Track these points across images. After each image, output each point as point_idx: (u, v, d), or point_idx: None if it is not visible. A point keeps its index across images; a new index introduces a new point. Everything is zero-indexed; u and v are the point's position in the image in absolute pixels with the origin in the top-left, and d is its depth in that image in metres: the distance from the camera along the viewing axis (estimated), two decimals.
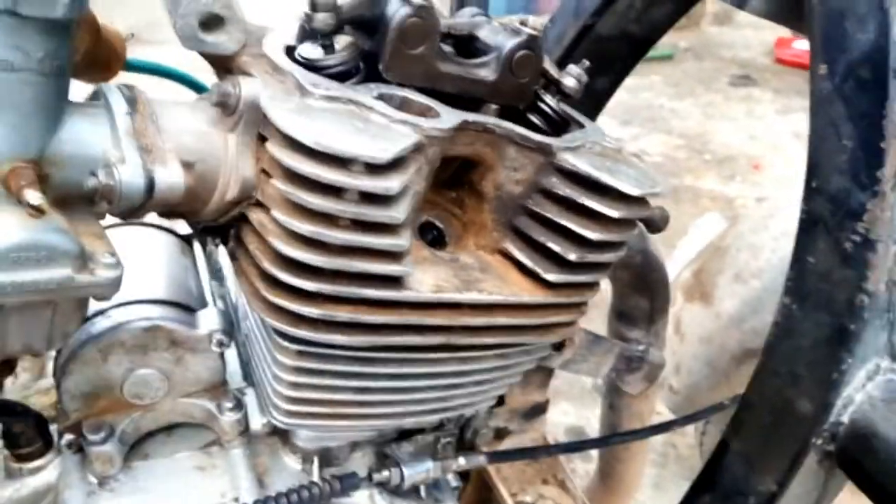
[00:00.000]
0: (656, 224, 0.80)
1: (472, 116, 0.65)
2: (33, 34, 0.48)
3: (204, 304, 0.80)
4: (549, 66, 0.74)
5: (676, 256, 2.24)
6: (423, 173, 0.62)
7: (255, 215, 0.61)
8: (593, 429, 2.28)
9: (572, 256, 0.67)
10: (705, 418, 1.09)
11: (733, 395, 1.00)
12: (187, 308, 0.76)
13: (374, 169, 0.56)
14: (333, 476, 0.75)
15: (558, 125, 0.75)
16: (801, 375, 0.72)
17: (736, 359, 1.32)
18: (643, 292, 0.97)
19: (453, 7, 1.77)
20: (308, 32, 0.65)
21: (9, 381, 0.86)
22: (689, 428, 1.78)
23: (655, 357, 0.97)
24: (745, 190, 3.92)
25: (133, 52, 0.81)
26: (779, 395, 0.74)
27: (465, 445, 0.93)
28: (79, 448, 0.73)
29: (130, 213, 0.57)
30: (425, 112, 0.64)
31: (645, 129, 4.59)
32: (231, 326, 0.78)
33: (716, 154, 4.32)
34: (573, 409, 2.30)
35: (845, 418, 0.70)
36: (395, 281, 0.62)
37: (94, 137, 0.54)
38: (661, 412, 1.69)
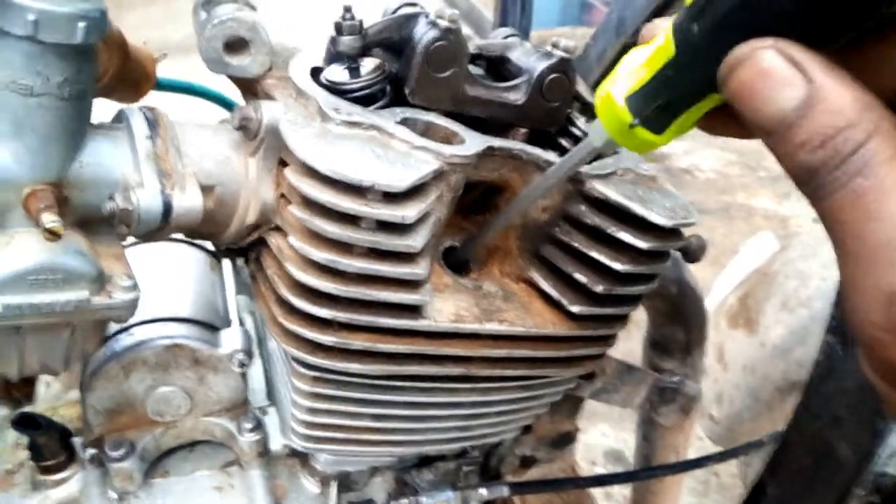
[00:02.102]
0: (693, 253, 0.76)
1: (497, 142, 0.63)
2: (53, 59, 0.48)
3: (228, 323, 0.80)
4: (582, 88, 0.72)
5: (725, 278, 2.18)
6: (444, 200, 0.61)
7: (275, 240, 0.60)
8: (632, 452, 2.23)
9: (599, 288, 0.65)
10: (741, 455, 1.04)
11: (773, 432, 0.96)
12: (211, 326, 0.76)
13: (390, 197, 0.55)
14: (351, 503, 0.74)
15: None
16: (842, 419, 0.68)
17: (780, 390, 1.27)
18: (678, 323, 0.93)
19: (496, 21, 1.76)
20: (334, 54, 0.65)
21: (41, 390, 0.88)
22: None
23: (691, 389, 0.94)
24: (800, 209, 3.79)
25: (185, 64, 0.82)
26: (818, 438, 0.70)
27: (489, 472, 0.91)
28: (101, 462, 0.74)
29: (149, 235, 0.58)
30: (450, 137, 0.63)
31: (697, 143, 4.48)
32: (255, 345, 0.78)
33: (771, 171, 4.19)
34: (612, 431, 2.24)
35: (892, 469, 0.66)
36: (412, 310, 0.61)
37: (114, 161, 0.54)
38: (701, 437, 1.64)
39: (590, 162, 0.68)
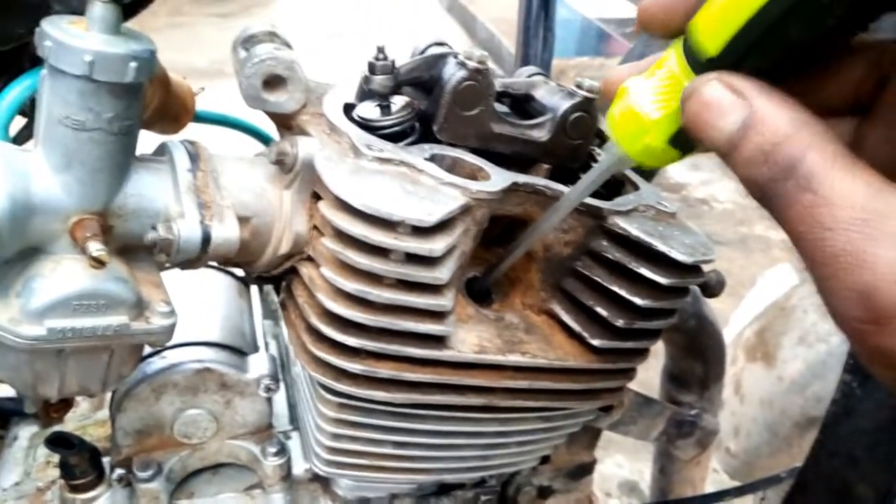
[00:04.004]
0: (712, 289, 0.78)
1: (522, 178, 0.65)
2: (105, 97, 0.51)
3: (255, 348, 0.82)
4: (604, 126, 0.74)
5: (742, 310, 2.17)
6: (470, 234, 0.63)
7: (306, 270, 0.63)
8: (647, 483, 2.21)
9: (620, 322, 0.66)
10: (759, 491, 1.04)
11: (791, 468, 0.96)
12: (239, 352, 0.78)
13: (419, 231, 0.57)
14: None
15: (611, 186, 0.74)
16: (860, 458, 0.69)
17: (798, 426, 1.27)
18: (697, 357, 0.94)
19: (518, 53, 1.79)
20: (366, 92, 0.67)
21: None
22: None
23: (709, 423, 0.94)
24: None
25: (213, 85, 0.85)
26: (836, 477, 0.71)
27: (506, 502, 0.92)
28: (128, 483, 0.75)
29: (187, 264, 0.60)
30: (476, 173, 0.65)
31: (716, 174, 4.49)
32: (280, 371, 0.80)
33: None
34: (627, 461, 2.23)
35: None
36: (437, 340, 0.62)
37: (157, 192, 0.57)
38: (716, 470, 1.63)
39: (611, 198, 0.70)
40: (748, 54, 0.38)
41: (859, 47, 0.42)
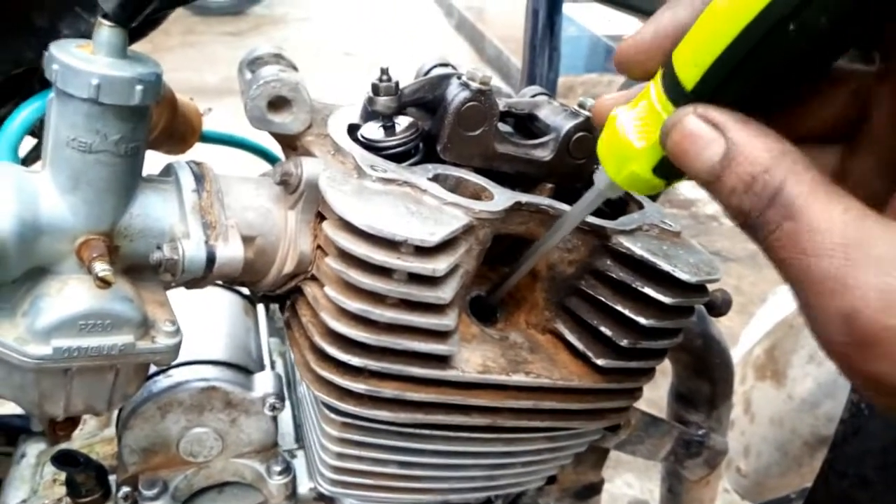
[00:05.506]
0: (718, 308, 0.77)
1: (525, 198, 0.65)
2: (112, 119, 0.52)
3: (261, 366, 0.83)
4: None
5: (752, 328, 2.16)
6: (473, 253, 0.63)
7: (310, 289, 0.63)
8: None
9: (624, 342, 0.66)
10: None
11: (801, 488, 0.95)
12: (245, 370, 0.78)
13: (422, 251, 0.57)
14: None
15: (616, 205, 0.75)
16: (871, 480, 0.68)
17: (808, 445, 1.25)
18: (704, 376, 0.94)
19: (524, 72, 1.80)
20: (370, 113, 0.68)
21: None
22: None
23: (717, 443, 0.93)
24: None
25: (224, 103, 0.86)
26: (847, 498, 0.70)
27: None
28: (134, 501, 0.76)
29: (192, 283, 0.60)
30: (479, 193, 0.65)
31: None
32: (286, 390, 0.80)
33: None
34: (637, 481, 2.21)
35: None
36: (440, 360, 0.62)
37: (163, 213, 0.58)
38: (727, 490, 1.61)
39: (615, 217, 0.70)
40: (723, 87, 0.38)
41: (840, 77, 0.43)
